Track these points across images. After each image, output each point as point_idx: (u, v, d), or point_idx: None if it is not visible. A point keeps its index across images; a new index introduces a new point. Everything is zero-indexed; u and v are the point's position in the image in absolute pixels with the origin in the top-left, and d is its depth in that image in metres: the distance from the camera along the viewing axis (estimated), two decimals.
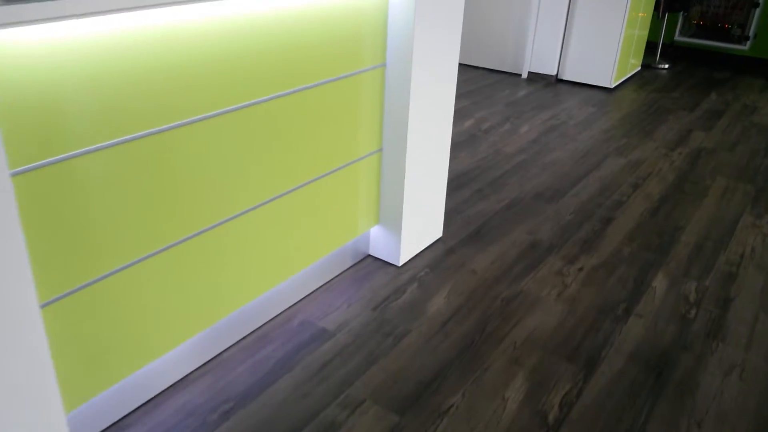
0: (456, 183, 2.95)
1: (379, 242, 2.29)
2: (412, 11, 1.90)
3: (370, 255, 2.33)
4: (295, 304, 2.03)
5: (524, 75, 4.85)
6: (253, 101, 1.59)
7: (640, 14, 4.79)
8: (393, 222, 2.22)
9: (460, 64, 5.10)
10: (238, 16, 1.48)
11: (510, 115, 3.96)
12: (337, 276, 2.20)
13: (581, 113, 4.06)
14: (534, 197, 2.84)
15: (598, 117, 4.01)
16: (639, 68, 5.27)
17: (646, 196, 2.90)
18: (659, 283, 2.22)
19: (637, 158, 3.35)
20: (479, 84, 4.61)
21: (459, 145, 3.41)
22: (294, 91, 1.74)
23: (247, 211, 1.68)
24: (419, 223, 2.30)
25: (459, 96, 4.27)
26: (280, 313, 1.98)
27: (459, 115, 3.90)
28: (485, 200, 2.80)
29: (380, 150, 2.13)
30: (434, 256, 2.34)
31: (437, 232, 2.45)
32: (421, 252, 2.36)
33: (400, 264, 2.27)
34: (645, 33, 5.05)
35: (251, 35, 1.53)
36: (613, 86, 4.62)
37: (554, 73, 4.72)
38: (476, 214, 2.66)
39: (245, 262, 1.73)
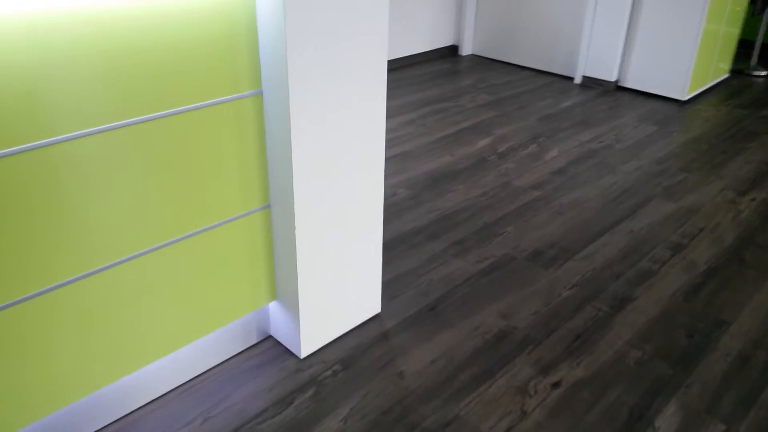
0: (433, 229, 2.30)
1: (279, 323, 1.71)
2: (282, 16, 1.29)
3: (272, 336, 1.76)
4: (143, 405, 1.49)
5: (577, 79, 4.05)
6: (76, 133, 1.06)
7: (736, 8, 3.85)
8: (290, 299, 1.63)
9: (500, 63, 4.37)
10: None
11: (541, 132, 3.22)
12: (218, 365, 1.65)
13: (635, 134, 3.26)
14: (530, 257, 2.15)
15: (655, 140, 3.19)
16: (727, 75, 4.31)
17: (687, 266, 2.13)
18: (667, 422, 1.51)
19: (692, 204, 2.55)
20: (518, 89, 3.87)
21: (458, 173, 2.74)
22: (128, 123, 1.19)
23: (68, 283, 1.16)
24: (333, 301, 1.70)
25: (484, 106, 3.57)
26: (119, 418, 1.45)
27: (475, 131, 3.21)
28: (462, 258, 2.14)
29: (268, 206, 1.54)
30: (357, 345, 1.73)
31: (372, 307, 1.84)
32: (342, 337, 1.76)
33: (303, 355, 1.68)
34: (736, 30, 4.09)
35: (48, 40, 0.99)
36: (686, 98, 3.74)
37: (614, 78, 3.89)
38: (442, 280, 2.02)
39: (79, 343, 1.21)
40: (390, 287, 1.98)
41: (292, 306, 1.63)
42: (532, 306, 1.91)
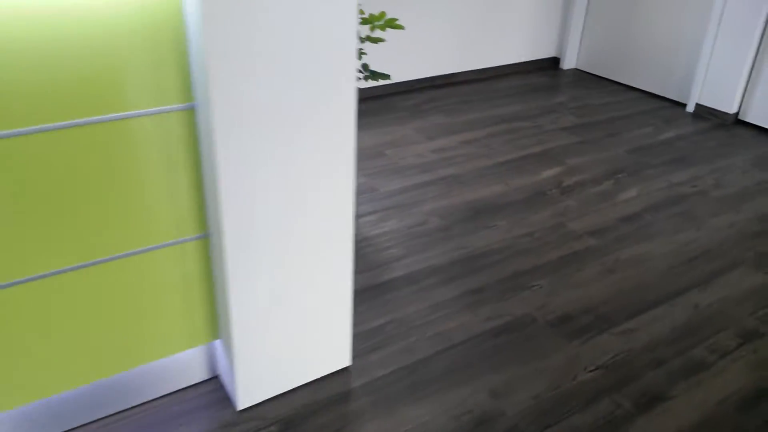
0: (451, 271, 2.00)
1: (224, 365, 1.51)
2: (201, 17, 1.07)
3: (218, 376, 1.57)
4: (73, 429, 1.36)
5: (690, 107, 3.49)
6: None
7: None
8: (227, 341, 1.42)
9: (605, 81, 3.88)
10: None
11: (624, 167, 2.77)
12: (158, 399, 1.48)
13: (742, 180, 2.71)
14: (555, 321, 1.79)
15: (763, 190, 2.63)
16: None
17: (756, 363, 1.67)
18: None
19: None
20: (615, 112, 3.39)
21: (506, 206, 2.40)
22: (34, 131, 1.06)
23: None
24: (281, 349, 1.47)
25: (567, 129, 3.15)
26: None
27: (544, 158, 2.83)
28: (472, 311, 1.82)
29: (205, 235, 1.34)
30: (308, 403, 1.49)
31: (338, 360, 1.59)
32: (295, 390, 1.53)
33: (239, 407, 1.47)
34: None
35: None
36: None
37: (733, 110, 3.30)
38: (437, 336, 1.72)
39: None
40: (374, 336, 1.72)
41: (229, 349, 1.42)
42: (535, 387, 1.56)
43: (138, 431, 1.40)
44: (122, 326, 1.33)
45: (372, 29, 2.31)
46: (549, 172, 2.69)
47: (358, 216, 2.30)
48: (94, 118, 1.12)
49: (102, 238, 1.22)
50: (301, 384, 1.54)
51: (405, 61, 3.47)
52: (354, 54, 1.23)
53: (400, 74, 3.50)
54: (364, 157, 2.75)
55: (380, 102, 3.38)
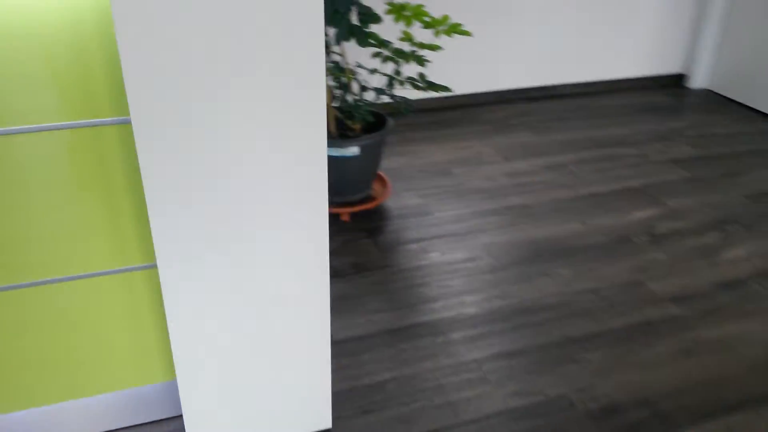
0: (485, 325, 1.69)
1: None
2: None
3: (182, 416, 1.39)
4: None
5: None
6: None
7: None
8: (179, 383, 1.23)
9: (740, 106, 3.29)
10: None
11: (738, 217, 2.28)
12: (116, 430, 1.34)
13: None
14: (598, 412, 1.44)
15: None
16: None
17: None
18: None
19: None
20: (743, 146, 2.84)
21: (578, 251, 2.03)
22: None
23: None
24: (241, 398, 1.25)
25: (676, 162, 2.66)
26: None
27: (639, 195, 2.39)
28: (496, 381, 1.51)
29: (153, 266, 1.16)
30: None
31: (314, 420, 1.35)
32: None
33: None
34: None
35: None
36: None
37: None
38: (446, 407, 1.43)
39: None
40: (372, 394, 1.47)
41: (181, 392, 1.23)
42: None
43: None
44: (65, 354, 1.18)
45: (436, 34, 2.03)
46: (641, 214, 2.27)
47: (400, 243, 2.05)
48: (12, 128, 0.96)
49: (28, 258, 1.07)
50: None
51: (496, 69, 3.14)
52: (321, 56, 0.98)
53: (489, 83, 3.16)
54: (427, 174, 2.48)
55: (463, 112, 3.07)
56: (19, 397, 1.20)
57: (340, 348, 1.62)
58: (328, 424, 1.37)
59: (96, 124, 0.99)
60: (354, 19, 1.76)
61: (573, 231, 2.15)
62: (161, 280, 1.05)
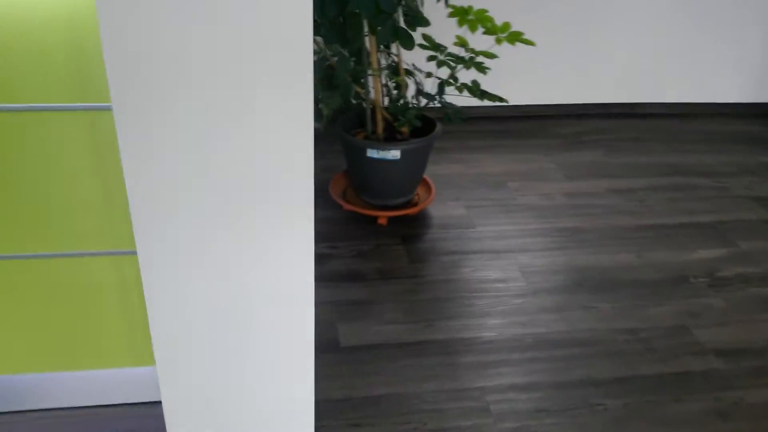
0: (499, 352, 1.59)
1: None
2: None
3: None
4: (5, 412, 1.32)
5: None
6: None
7: None
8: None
9: None
10: None
11: None
12: (96, 407, 1.38)
13: None
14: None
15: None
16: None
17: None
18: None
19: None
20: None
21: (625, 286, 1.87)
22: None
23: None
24: (218, 393, 1.24)
25: (764, 200, 2.40)
26: None
27: (710, 232, 2.17)
28: (497, 415, 1.42)
29: (134, 252, 1.16)
30: None
31: (296, 427, 1.32)
32: None
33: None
34: None
35: None
36: None
37: None
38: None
39: None
40: (363, 408, 1.42)
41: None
42: None
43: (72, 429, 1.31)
44: (54, 326, 1.22)
45: (498, 42, 1.94)
46: (706, 253, 2.06)
47: (433, 253, 1.98)
48: (5, 106, 0.99)
49: (22, 231, 1.10)
50: None
51: (576, 80, 2.97)
52: (308, 50, 0.93)
53: (566, 95, 3.00)
54: (479, 184, 2.38)
55: (533, 123, 2.93)
56: (7, 361, 1.26)
57: (345, 355, 1.58)
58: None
59: (86, 108, 1.01)
60: (401, 21, 1.70)
61: (624, 263, 1.99)
62: (141, 267, 1.06)
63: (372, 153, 1.92)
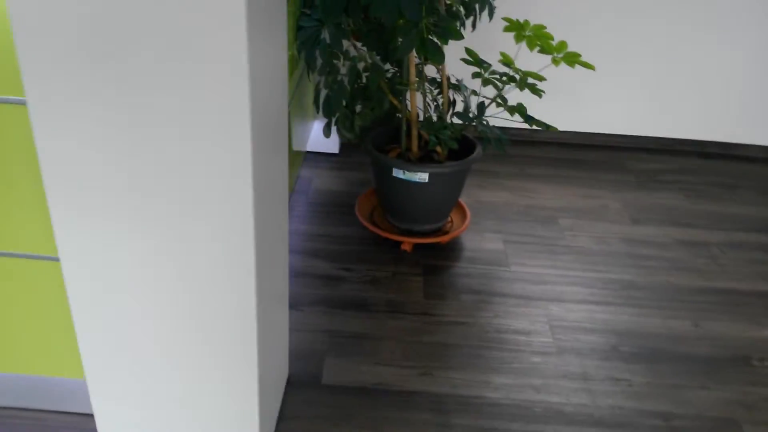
0: (494, 422, 1.38)
1: None
2: None
3: None
4: None
5: None
6: None
7: None
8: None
9: None
10: None
11: None
12: (28, 410, 1.31)
13: None
14: None
15: None
16: None
17: None
18: None
19: None
20: None
21: (669, 360, 1.59)
22: None
23: None
24: (150, 411, 1.14)
25: None
26: None
27: None
28: None
29: (57, 258, 1.07)
30: None
31: None
32: None
33: None
34: None
35: None
36: None
37: None
38: None
39: None
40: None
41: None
42: None
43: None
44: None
45: (555, 63, 1.71)
46: None
47: (454, 290, 1.78)
48: None
49: None
50: None
51: (661, 111, 2.64)
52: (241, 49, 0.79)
53: (646, 126, 2.67)
54: (527, 217, 2.15)
55: (605, 154, 2.64)
56: None
57: (322, 393, 1.43)
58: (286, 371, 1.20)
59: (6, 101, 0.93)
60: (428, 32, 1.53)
61: (676, 331, 1.70)
62: (64, 275, 0.96)
63: (398, 173, 1.75)
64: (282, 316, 1.29)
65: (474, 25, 1.91)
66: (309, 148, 2.47)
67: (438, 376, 1.50)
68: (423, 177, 1.74)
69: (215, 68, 0.78)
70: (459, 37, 1.47)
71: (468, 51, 1.74)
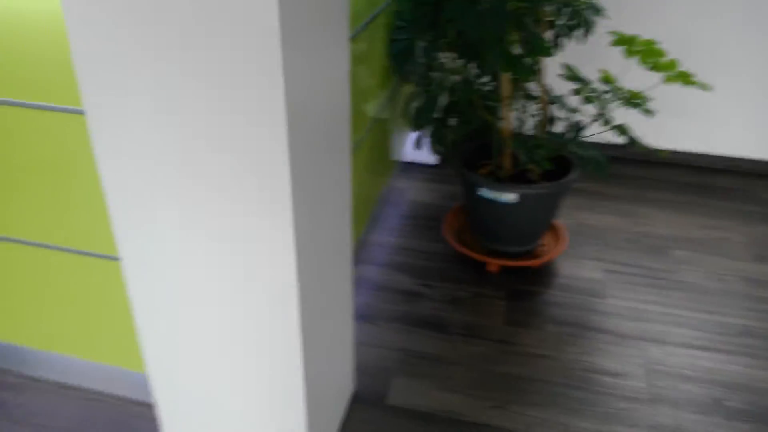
0: None
1: None
2: None
3: None
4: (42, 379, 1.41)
5: None
6: None
7: None
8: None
9: None
10: None
11: None
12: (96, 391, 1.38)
13: None
14: None
15: None
16: None
17: None
18: None
19: None
20: None
21: None
22: None
23: None
24: (210, 401, 1.15)
25: None
26: None
27: None
28: None
29: (118, 259, 1.11)
30: None
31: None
32: None
33: None
34: None
35: None
36: None
37: None
38: None
39: None
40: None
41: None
42: None
43: (59, 406, 1.32)
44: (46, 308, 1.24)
45: (667, 81, 1.56)
46: None
47: (539, 319, 1.66)
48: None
49: (23, 220, 1.12)
50: None
51: None
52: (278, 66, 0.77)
53: None
54: (635, 246, 1.97)
55: (738, 181, 2.36)
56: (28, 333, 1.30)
57: (385, 414, 1.38)
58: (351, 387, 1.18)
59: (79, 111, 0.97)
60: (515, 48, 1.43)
61: None
62: (126, 274, 1.00)
63: (484, 192, 1.67)
64: (343, 328, 1.26)
65: (580, 38, 1.78)
66: (407, 159, 2.44)
67: (510, 411, 1.40)
68: (511, 198, 1.64)
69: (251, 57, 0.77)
70: (548, 54, 1.37)
71: (567, 67, 1.62)
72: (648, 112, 1.66)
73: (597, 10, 1.66)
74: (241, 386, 1.07)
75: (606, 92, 1.64)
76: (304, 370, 1.02)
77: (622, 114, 2.27)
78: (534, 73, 1.49)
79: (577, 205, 2.20)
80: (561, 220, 2.09)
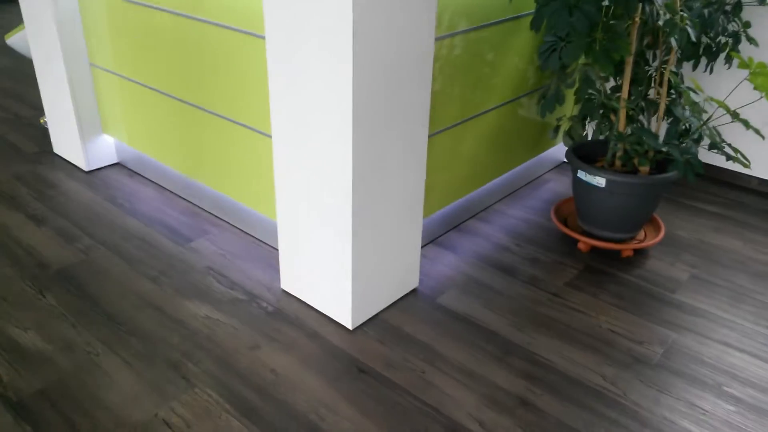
0: None
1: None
2: None
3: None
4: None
5: None
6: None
7: None
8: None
9: None
10: None
11: None
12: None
13: None
14: None
15: None
16: None
17: None
18: None
19: None
20: None
21: None
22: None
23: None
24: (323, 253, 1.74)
25: None
26: None
27: None
28: None
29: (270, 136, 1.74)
30: (399, 323, 1.74)
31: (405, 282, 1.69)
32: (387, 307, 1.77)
33: (352, 326, 1.72)
34: None
35: None
36: None
37: None
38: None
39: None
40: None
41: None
42: None
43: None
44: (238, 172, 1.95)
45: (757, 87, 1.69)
46: None
47: (597, 288, 1.88)
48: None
49: (220, 98, 1.84)
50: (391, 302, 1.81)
51: None
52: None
53: None
54: (741, 266, 2.00)
55: None
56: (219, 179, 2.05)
57: (433, 307, 1.80)
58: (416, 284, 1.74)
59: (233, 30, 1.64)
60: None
61: None
62: (274, 146, 1.65)
63: (581, 174, 1.96)
64: (409, 231, 1.73)
65: (722, 58, 1.93)
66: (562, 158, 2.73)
67: (534, 337, 1.70)
68: (600, 181, 1.90)
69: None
70: (627, 52, 1.63)
71: (691, 79, 1.82)
72: (758, 132, 1.77)
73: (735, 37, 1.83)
74: (318, 244, 1.63)
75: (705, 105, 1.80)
76: (351, 244, 1.54)
77: (736, 137, 2.24)
78: (615, 65, 1.74)
79: (704, 225, 2.27)
80: (682, 233, 2.19)
